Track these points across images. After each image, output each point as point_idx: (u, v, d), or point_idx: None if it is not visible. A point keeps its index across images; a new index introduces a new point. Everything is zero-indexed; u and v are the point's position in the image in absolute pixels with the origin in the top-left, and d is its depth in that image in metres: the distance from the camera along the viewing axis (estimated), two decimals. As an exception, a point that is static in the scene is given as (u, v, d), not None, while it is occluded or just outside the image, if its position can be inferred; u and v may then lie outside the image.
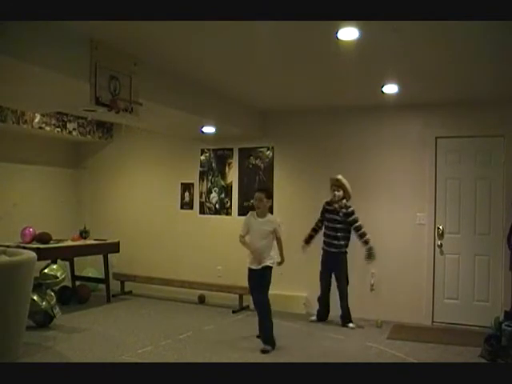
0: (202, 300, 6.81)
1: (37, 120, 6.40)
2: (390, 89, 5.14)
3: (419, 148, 5.89)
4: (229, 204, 6.89)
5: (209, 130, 6.20)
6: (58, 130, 6.76)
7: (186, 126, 6.21)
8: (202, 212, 7.06)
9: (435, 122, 5.84)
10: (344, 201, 5.57)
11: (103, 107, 3.94)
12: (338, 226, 5.56)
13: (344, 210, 5.55)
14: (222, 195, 6.94)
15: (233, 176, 6.88)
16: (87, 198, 7.87)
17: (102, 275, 6.79)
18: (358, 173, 6.16)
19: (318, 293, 5.90)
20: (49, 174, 7.41)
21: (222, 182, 6.97)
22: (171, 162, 7.29)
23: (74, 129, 7.01)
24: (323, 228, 5.74)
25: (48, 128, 6.59)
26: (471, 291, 5.68)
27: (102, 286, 6.78)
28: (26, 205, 6.85)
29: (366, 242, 5.45)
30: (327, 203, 5.70)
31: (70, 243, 6.35)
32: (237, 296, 6.38)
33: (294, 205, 6.45)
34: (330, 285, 5.73)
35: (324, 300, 5.77)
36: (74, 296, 6.55)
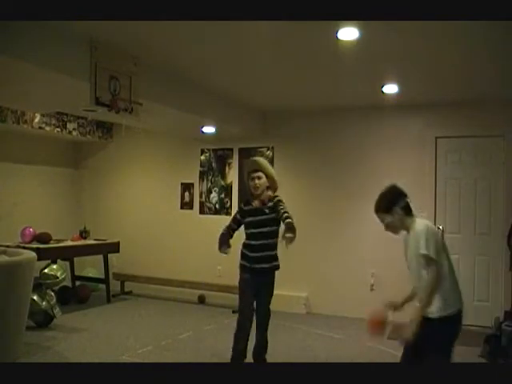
0: (202, 300, 6.82)
1: (37, 120, 6.40)
2: (390, 89, 5.14)
3: (419, 148, 5.89)
4: (229, 204, 6.89)
5: (209, 129, 6.20)
6: (58, 130, 6.76)
7: (186, 126, 6.22)
8: (202, 212, 7.06)
9: (435, 121, 5.84)
10: (269, 192, 3.99)
11: (103, 107, 3.95)
12: (267, 229, 3.92)
13: (270, 204, 3.94)
14: (222, 195, 6.94)
15: (233, 176, 6.88)
16: (87, 198, 7.87)
17: (102, 275, 6.79)
18: (358, 172, 6.16)
19: (317, 292, 5.88)
20: (49, 173, 7.41)
21: (222, 182, 6.97)
22: (171, 162, 7.29)
23: (74, 129, 7.01)
24: (245, 238, 4.06)
25: (48, 128, 6.59)
26: (471, 291, 5.67)
27: (102, 286, 6.78)
28: (26, 205, 6.85)
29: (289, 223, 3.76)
30: (245, 204, 4.12)
31: (69, 243, 6.36)
32: (237, 296, 6.37)
33: (294, 205, 6.45)
34: (254, 313, 4.05)
35: (246, 334, 3.94)
36: (74, 296, 6.55)
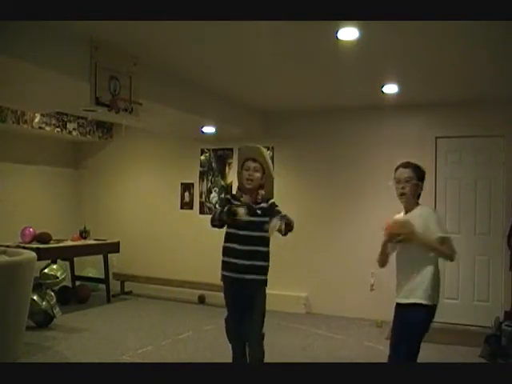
0: (202, 300, 6.81)
1: (37, 120, 6.41)
2: (390, 89, 5.14)
3: (419, 148, 5.88)
4: (229, 204, 6.89)
5: (209, 129, 6.20)
6: (58, 130, 6.76)
7: (186, 126, 6.22)
8: (202, 212, 7.06)
9: (435, 122, 5.84)
10: (262, 191, 3.37)
11: (103, 107, 3.95)
12: (256, 233, 3.22)
13: (263, 204, 3.30)
14: (222, 195, 6.93)
15: (233, 176, 6.88)
16: (87, 198, 7.87)
17: (102, 275, 6.79)
18: (358, 172, 6.17)
19: (317, 292, 5.83)
20: (49, 173, 7.41)
21: (222, 182, 6.97)
22: (171, 162, 7.29)
23: (74, 129, 7.01)
24: (225, 241, 3.35)
25: (48, 128, 6.60)
26: (471, 291, 5.68)
27: (102, 286, 6.78)
28: (26, 205, 6.85)
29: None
30: (233, 197, 3.43)
31: (69, 243, 6.36)
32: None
33: (294, 205, 6.46)
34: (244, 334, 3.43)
35: (237, 343, 3.58)
36: (74, 296, 6.55)
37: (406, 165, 2.96)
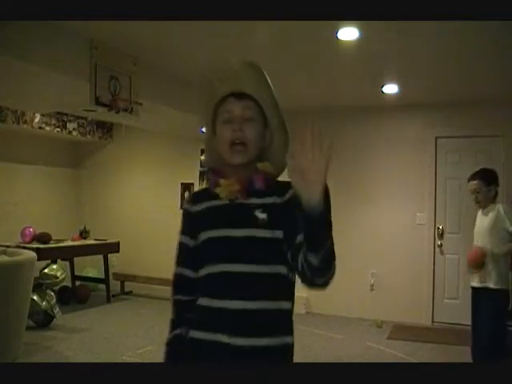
0: (201, 300, 6.81)
1: (37, 120, 6.41)
2: (390, 89, 5.15)
3: (419, 148, 5.89)
4: (229, 204, 6.87)
5: (209, 130, 6.20)
6: (58, 129, 6.76)
7: (186, 126, 6.21)
8: (201, 212, 7.06)
9: (435, 121, 5.84)
10: (265, 167, 1.45)
11: (103, 107, 3.95)
12: (263, 268, 1.35)
13: (271, 201, 1.38)
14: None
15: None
16: (87, 198, 7.87)
17: (102, 275, 6.79)
18: (358, 173, 6.16)
19: (317, 292, 5.82)
20: (49, 173, 7.40)
21: (222, 182, 6.95)
22: (171, 161, 7.29)
23: (74, 129, 7.01)
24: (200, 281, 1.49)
25: (48, 128, 6.60)
26: (471, 291, 5.68)
27: (102, 286, 6.78)
28: (26, 205, 6.85)
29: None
30: (195, 197, 1.56)
31: (70, 243, 6.36)
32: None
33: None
34: None
35: None
36: (74, 296, 6.55)
37: (473, 177, 3.53)
